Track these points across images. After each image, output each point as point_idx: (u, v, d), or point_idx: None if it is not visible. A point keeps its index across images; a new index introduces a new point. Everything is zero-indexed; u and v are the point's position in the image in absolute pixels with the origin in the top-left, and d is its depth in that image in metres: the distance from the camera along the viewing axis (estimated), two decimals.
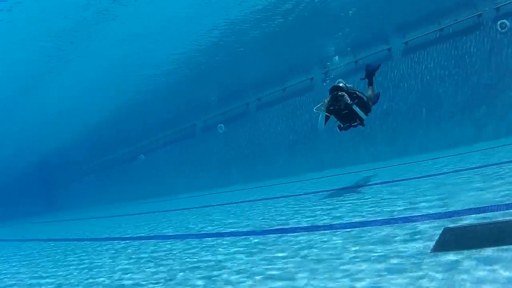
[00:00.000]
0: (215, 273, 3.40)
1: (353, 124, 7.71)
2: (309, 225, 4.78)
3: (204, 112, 21.00)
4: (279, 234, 4.52)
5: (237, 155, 19.42)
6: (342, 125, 7.69)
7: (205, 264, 3.73)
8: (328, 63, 15.87)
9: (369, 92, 8.54)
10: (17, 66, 19.29)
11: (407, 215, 4.23)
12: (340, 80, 8.00)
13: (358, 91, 8.07)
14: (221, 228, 6.13)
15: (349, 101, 7.27)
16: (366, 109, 7.97)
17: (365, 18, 14.74)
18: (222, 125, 19.31)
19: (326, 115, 7.48)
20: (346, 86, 7.78)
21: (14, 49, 17.73)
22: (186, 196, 18.32)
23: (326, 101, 7.48)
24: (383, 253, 3.03)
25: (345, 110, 7.33)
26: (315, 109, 7.55)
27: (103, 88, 22.65)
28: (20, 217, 30.83)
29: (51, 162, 37.05)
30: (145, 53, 19.12)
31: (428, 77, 13.73)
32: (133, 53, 19.04)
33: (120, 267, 4.59)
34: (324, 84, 14.95)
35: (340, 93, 7.26)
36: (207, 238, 5.20)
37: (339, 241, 3.68)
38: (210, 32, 17.63)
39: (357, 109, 7.33)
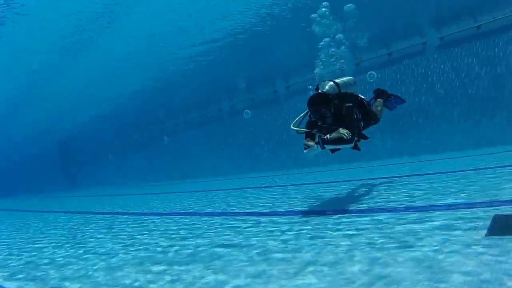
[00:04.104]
0: None
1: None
2: (396, 206, 5.31)
3: (232, 96, 21.96)
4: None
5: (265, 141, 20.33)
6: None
7: None
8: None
9: (377, 108, 6.82)
10: (49, 38, 20.24)
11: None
12: (326, 83, 6.02)
13: (354, 94, 6.14)
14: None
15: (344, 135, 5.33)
16: (367, 122, 6.35)
17: (401, 9, 15.16)
18: (249, 111, 20.10)
19: (307, 133, 5.68)
20: (338, 85, 5.99)
21: (47, 20, 18.61)
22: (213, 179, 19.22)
23: (303, 116, 5.91)
24: None
25: (334, 125, 5.50)
26: (293, 126, 5.78)
27: (131, 66, 23.59)
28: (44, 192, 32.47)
29: (73, 142, 38.58)
30: (178, 33, 19.98)
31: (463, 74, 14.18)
32: (166, 32, 19.92)
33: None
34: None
35: (323, 109, 5.43)
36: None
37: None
38: (243, 18, 18.40)
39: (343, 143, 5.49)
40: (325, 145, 5.40)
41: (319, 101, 5.49)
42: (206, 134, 24.03)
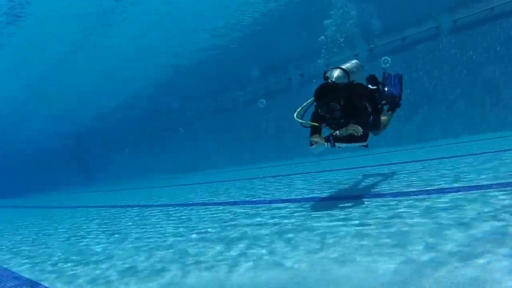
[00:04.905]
0: None
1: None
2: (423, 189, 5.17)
3: (245, 86, 22.28)
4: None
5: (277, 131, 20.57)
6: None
7: None
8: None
9: (385, 118, 6.40)
10: (62, 32, 20.53)
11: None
12: (334, 71, 5.50)
13: (364, 85, 5.89)
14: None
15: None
16: (375, 119, 5.88)
17: None
18: (263, 100, 20.39)
19: (313, 126, 5.25)
20: (347, 72, 5.49)
21: (60, 13, 18.89)
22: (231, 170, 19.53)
23: (308, 104, 5.43)
24: None
25: (343, 119, 5.13)
26: (296, 117, 5.28)
27: (145, 56, 23.95)
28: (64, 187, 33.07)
29: (89, 135, 39.14)
30: (189, 24, 20.29)
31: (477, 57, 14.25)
32: (177, 24, 20.23)
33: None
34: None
35: (332, 102, 4.95)
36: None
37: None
38: (253, 5, 18.66)
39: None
40: (336, 143, 4.95)
41: (327, 93, 4.97)
42: (220, 125, 24.39)
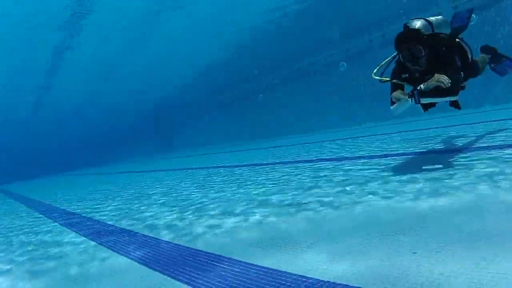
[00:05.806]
0: None
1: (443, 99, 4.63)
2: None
3: (326, 49, 22.58)
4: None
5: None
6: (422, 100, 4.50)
7: None
8: None
9: (481, 59, 5.71)
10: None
11: None
12: (416, 21, 4.85)
13: (452, 36, 4.93)
14: None
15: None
16: (467, 72, 4.96)
17: None
18: (344, 63, 20.64)
19: (394, 84, 4.73)
20: (431, 23, 4.77)
21: None
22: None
23: (388, 61, 5.00)
24: None
25: (429, 74, 4.45)
26: (374, 75, 4.90)
27: (222, 23, 24.34)
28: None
29: (167, 103, 40.74)
30: None
31: None
32: None
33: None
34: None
35: (415, 47, 4.38)
36: None
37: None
38: None
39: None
40: (421, 98, 4.37)
41: (410, 38, 4.42)
42: (300, 89, 24.94)
